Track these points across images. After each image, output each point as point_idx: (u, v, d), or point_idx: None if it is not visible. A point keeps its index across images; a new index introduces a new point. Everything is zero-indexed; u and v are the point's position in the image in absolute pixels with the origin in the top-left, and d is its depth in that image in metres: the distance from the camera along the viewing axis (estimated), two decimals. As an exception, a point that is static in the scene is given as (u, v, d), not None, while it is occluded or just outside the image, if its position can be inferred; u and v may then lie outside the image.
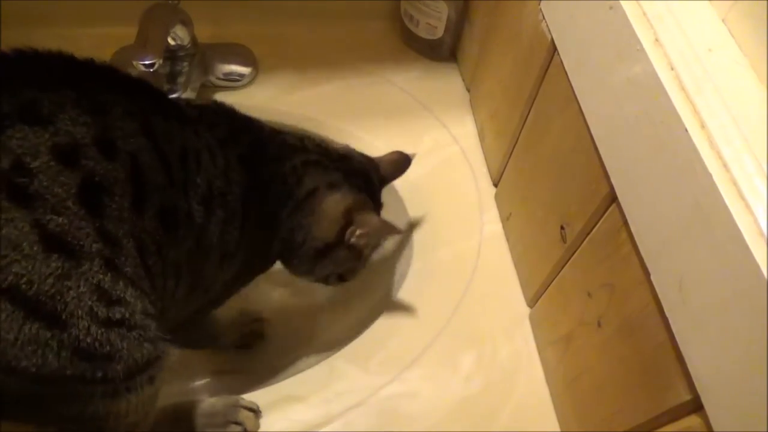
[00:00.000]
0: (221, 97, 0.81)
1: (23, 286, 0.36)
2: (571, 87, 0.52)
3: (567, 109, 0.54)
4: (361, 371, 0.61)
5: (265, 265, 0.60)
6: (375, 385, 0.60)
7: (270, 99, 0.81)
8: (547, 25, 0.57)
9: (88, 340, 0.39)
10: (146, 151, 0.43)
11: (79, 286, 0.38)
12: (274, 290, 0.76)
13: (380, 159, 0.66)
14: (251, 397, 0.58)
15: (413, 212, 0.75)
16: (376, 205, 0.64)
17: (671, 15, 0.42)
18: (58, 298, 0.38)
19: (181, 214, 0.46)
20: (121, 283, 0.41)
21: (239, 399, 0.58)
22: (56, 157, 0.38)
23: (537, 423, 0.60)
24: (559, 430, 0.59)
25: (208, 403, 0.57)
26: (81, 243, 0.39)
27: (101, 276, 0.40)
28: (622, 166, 0.45)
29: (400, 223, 0.75)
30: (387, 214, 0.78)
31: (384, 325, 0.65)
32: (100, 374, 0.40)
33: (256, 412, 0.57)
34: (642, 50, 0.41)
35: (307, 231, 0.57)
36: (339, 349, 0.63)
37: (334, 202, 0.57)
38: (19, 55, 0.41)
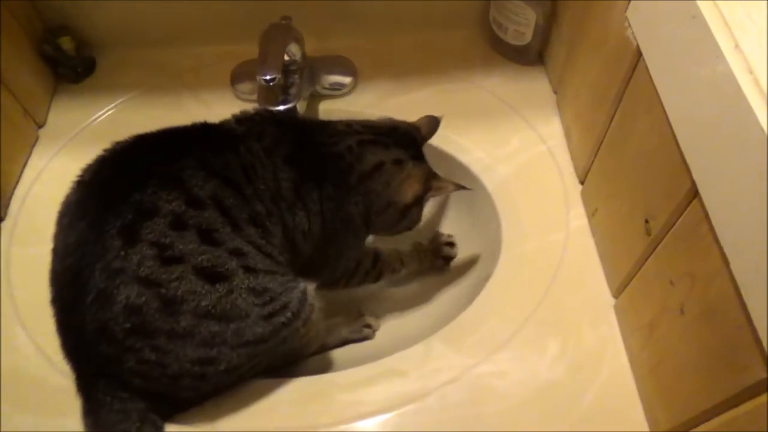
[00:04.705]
0: (326, 105, 0.89)
1: (213, 310, 0.56)
2: (656, 90, 0.55)
3: (651, 111, 0.57)
4: (454, 351, 0.67)
5: (356, 226, 0.71)
6: (467, 365, 0.66)
7: (369, 105, 0.88)
8: (632, 32, 0.60)
9: (271, 309, 0.59)
10: (220, 187, 0.59)
11: (241, 294, 0.57)
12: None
13: (418, 122, 0.76)
14: (359, 370, 0.66)
15: (502, 208, 0.78)
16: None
17: (752, 23, 0.45)
18: (231, 307, 0.57)
19: (262, 215, 0.62)
20: (260, 276, 0.59)
21: (359, 309, 0.78)
22: (174, 228, 0.55)
23: (620, 405, 0.63)
24: (641, 411, 0.62)
25: (341, 318, 0.77)
26: (226, 267, 0.57)
27: (248, 281, 0.58)
28: (704, 164, 0.48)
29: (489, 218, 0.80)
30: (476, 211, 0.84)
31: (476, 310, 0.70)
32: (284, 319, 0.60)
33: (377, 316, 0.78)
34: (722, 56, 0.44)
35: (389, 197, 0.69)
36: (436, 332, 0.69)
37: (410, 175, 0.69)
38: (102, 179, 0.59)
